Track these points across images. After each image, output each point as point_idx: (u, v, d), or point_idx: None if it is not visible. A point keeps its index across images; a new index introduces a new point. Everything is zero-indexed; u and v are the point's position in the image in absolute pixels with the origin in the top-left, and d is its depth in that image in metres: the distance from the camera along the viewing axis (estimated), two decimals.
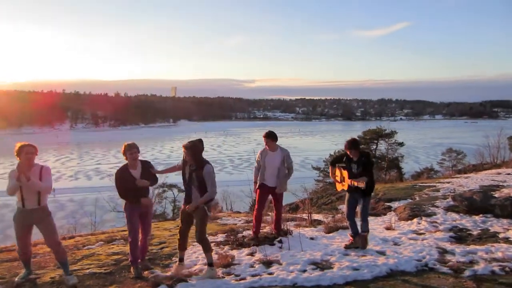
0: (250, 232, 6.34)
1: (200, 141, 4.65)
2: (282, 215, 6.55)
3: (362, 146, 27.28)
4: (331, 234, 6.47)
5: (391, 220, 7.28)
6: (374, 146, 27.82)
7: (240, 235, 6.42)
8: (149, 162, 5.02)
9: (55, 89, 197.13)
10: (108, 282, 4.60)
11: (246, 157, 74.07)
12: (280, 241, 5.89)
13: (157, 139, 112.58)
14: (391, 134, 27.56)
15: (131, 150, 4.76)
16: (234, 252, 5.51)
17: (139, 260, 4.95)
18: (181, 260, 4.91)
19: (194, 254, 5.53)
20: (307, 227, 7.10)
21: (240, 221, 8.43)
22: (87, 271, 5.00)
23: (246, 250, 5.56)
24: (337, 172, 5.76)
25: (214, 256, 5.14)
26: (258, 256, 5.26)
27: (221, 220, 8.62)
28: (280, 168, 5.90)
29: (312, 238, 6.21)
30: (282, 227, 6.31)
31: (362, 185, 5.26)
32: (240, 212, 12.12)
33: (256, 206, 6.14)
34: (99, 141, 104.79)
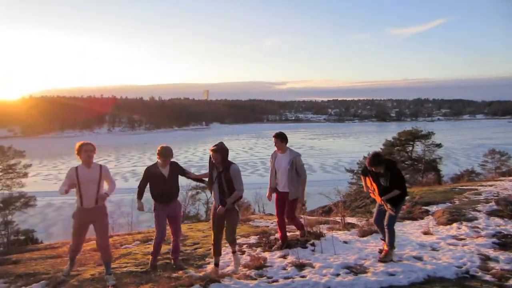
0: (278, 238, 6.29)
1: (224, 144, 4.85)
2: (314, 217, 6.48)
3: (397, 148, 26.61)
4: (365, 238, 6.32)
5: (429, 225, 7.03)
6: (410, 148, 27.01)
7: (272, 237, 6.40)
8: (177, 163, 5.20)
9: (94, 94, 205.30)
10: (144, 281, 4.73)
11: None
12: (313, 244, 5.83)
13: (190, 141, 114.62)
14: (428, 135, 26.66)
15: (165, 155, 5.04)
16: (266, 254, 5.51)
17: (172, 261, 5.22)
18: (217, 264, 4.98)
19: (227, 255, 5.56)
20: (340, 230, 6.98)
21: (272, 223, 8.40)
22: (125, 269, 5.16)
23: (278, 253, 5.54)
24: (368, 183, 5.47)
25: (247, 258, 5.21)
26: (290, 258, 5.23)
27: (253, 222, 8.63)
28: (288, 171, 5.54)
29: (345, 242, 6.10)
30: (313, 230, 6.24)
31: (391, 212, 5.11)
32: (272, 215, 12.07)
33: (275, 212, 5.94)
34: (135, 144, 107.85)
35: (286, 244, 5.75)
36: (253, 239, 6.44)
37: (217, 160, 4.73)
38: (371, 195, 5.53)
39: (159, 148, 5.01)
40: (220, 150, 4.72)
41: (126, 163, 74.55)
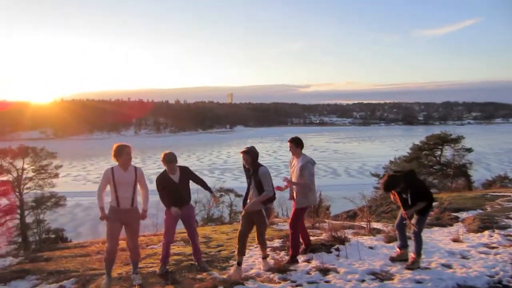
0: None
1: (255, 148, 5.09)
2: (338, 222, 6.39)
3: (425, 152, 25.95)
4: (391, 244, 6.18)
5: (459, 232, 6.82)
6: (439, 152, 26.28)
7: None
8: (188, 168, 5.23)
9: (122, 97, 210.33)
10: (169, 281, 4.80)
11: None
12: (337, 249, 5.76)
13: (214, 144, 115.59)
14: (458, 139, 25.86)
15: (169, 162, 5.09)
16: None
17: (196, 263, 5.27)
18: (239, 264, 5.06)
19: (251, 258, 5.58)
20: (365, 235, 6.86)
21: None
22: (150, 269, 5.25)
23: (302, 257, 5.50)
24: (391, 197, 5.36)
25: (270, 261, 5.21)
26: (314, 263, 5.18)
27: (277, 225, 8.61)
28: (299, 177, 5.26)
29: (371, 247, 5.99)
30: (338, 235, 6.16)
31: (415, 228, 4.99)
32: None
33: None
34: (161, 146, 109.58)
35: (310, 248, 5.71)
36: (277, 243, 6.43)
37: (247, 161, 4.99)
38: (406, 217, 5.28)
39: (162, 155, 5.05)
40: (250, 152, 4.96)
41: (152, 165, 75.86)
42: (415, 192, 4.92)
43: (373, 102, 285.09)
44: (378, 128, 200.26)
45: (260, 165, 5.01)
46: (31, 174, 25.92)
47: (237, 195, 24.82)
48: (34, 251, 8.60)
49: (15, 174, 24.76)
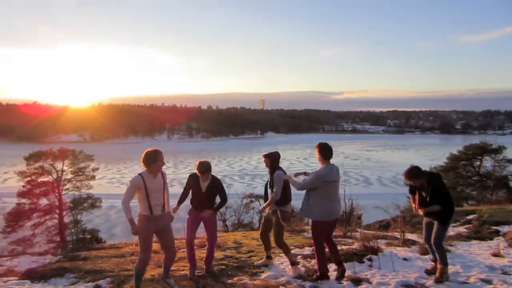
0: (338, 246, 6.15)
1: (277, 152, 5.40)
2: (371, 232, 6.26)
3: (463, 162, 25.02)
4: (426, 256, 5.98)
5: (499, 246, 6.51)
6: (478, 163, 25.25)
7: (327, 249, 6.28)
8: (220, 181, 5.20)
9: (156, 102, 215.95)
10: (200, 285, 4.86)
11: None
12: (370, 259, 5.65)
13: (245, 150, 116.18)
14: (499, 149, 24.73)
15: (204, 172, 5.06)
16: None
17: (204, 267, 5.28)
18: (269, 257, 5.63)
19: (281, 265, 5.55)
20: (399, 246, 6.69)
21: None
22: (182, 272, 5.33)
23: (334, 265, 5.42)
24: (411, 197, 5.25)
25: (301, 269, 5.17)
26: (346, 272, 5.09)
27: (308, 233, 8.53)
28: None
29: (405, 259, 5.83)
30: (370, 245, 6.04)
31: (420, 212, 4.93)
32: None
33: None
34: (192, 151, 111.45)
35: (339, 260, 5.53)
36: (307, 250, 6.37)
37: (267, 164, 5.34)
38: (417, 211, 5.14)
39: (197, 164, 5.04)
40: (270, 156, 5.31)
41: (183, 169, 77.17)
42: (436, 192, 4.80)
43: (408, 109, 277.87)
44: (413, 137, 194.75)
45: (278, 168, 5.25)
46: (69, 175, 26.96)
47: None
48: (72, 250, 8.93)
49: (55, 176, 25.85)
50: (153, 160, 4.38)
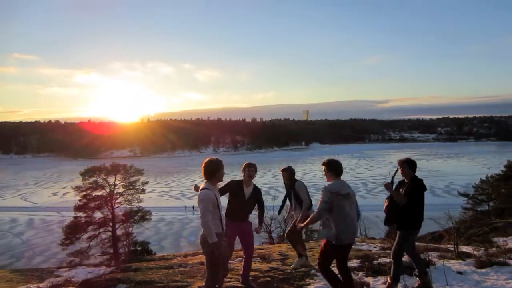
0: (386, 259, 5.96)
1: (291, 167, 5.89)
2: (422, 244, 6.02)
3: None
4: (483, 270, 5.64)
5: None
6: None
7: (375, 262, 6.11)
8: (260, 191, 5.19)
9: (201, 116, 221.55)
10: None
11: (381, 181, 70.00)
12: None
13: (290, 161, 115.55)
14: None
15: (249, 168, 5.12)
16: (369, 280, 5.27)
17: (241, 279, 5.14)
18: (300, 255, 6.01)
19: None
20: (453, 259, 6.35)
21: (375, 247, 8.03)
22: (228, 284, 5.39)
23: (382, 278, 5.26)
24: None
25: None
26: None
27: (355, 245, 8.33)
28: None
29: (459, 272, 5.53)
30: (422, 257, 5.79)
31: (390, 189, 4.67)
32: (375, 238, 11.54)
33: None
34: (238, 164, 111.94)
35: None
36: (355, 263, 6.23)
37: (285, 177, 5.81)
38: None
39: (247, 163, 5.09)
40: (287, 170, 5.81)
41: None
42: (413, 191, 4.59)
43: (460, 116, 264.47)
44: (467, 144, 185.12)
45: (296, 180, 5.78)
46: (121, 189, 28.14)
47: None
48: (124, 261, 9.30)
49: (108, 190, 27.10)
50: (217, 170, 4.06)
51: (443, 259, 6.22)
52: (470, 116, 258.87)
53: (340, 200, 4.17)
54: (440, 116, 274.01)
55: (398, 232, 4.78)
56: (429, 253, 6.42)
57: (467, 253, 6.89)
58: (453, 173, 78.84)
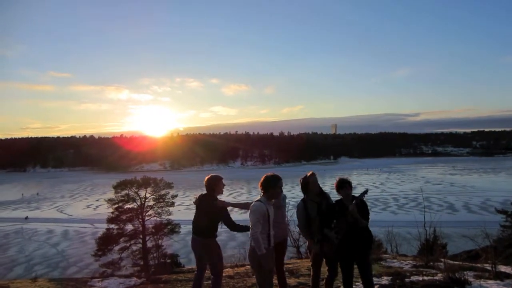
0: (419, 277, 5.80)
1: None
2: (457, 262, 5.82)
3: None
4: None
5: None
6: None
7: (407, 280, 5.95)
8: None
9: (229, 131, 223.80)
10: None
11: (413, 196, 68.39)
12: None
13: (318, 176, 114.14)
14: None
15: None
16: None
17: None
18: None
19: None
20: (490, 279, 6.09)
21: (406, 264, 7.81)
22: None
23: None
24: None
25: None
26: None
27: (386, 262, 8.15)
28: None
29: None
30: (456, 276, 5.60)
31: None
32: (406, 255, 11.22)
33: None
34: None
35: None
36: (385, 280, 6.09)
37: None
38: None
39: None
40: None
41: (256, 196, 77.60)
42: (364, 208, 4.52)
43: (497, 130, 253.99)
44: (504, 159, 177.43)
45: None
46: (151, 202, 28.69)
47: None
48: (154, 273, 9.47)
49: (139, 202, 27.70)
50: (272, 186, 4.22)
51: (479, 279, 6.00)
52: (508, 129, 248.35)
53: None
54: (475, 130, 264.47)
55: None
56: (465, 272, 6.20)
57: (506, 273, 6.60)
58: (489, 189, 75.51)
